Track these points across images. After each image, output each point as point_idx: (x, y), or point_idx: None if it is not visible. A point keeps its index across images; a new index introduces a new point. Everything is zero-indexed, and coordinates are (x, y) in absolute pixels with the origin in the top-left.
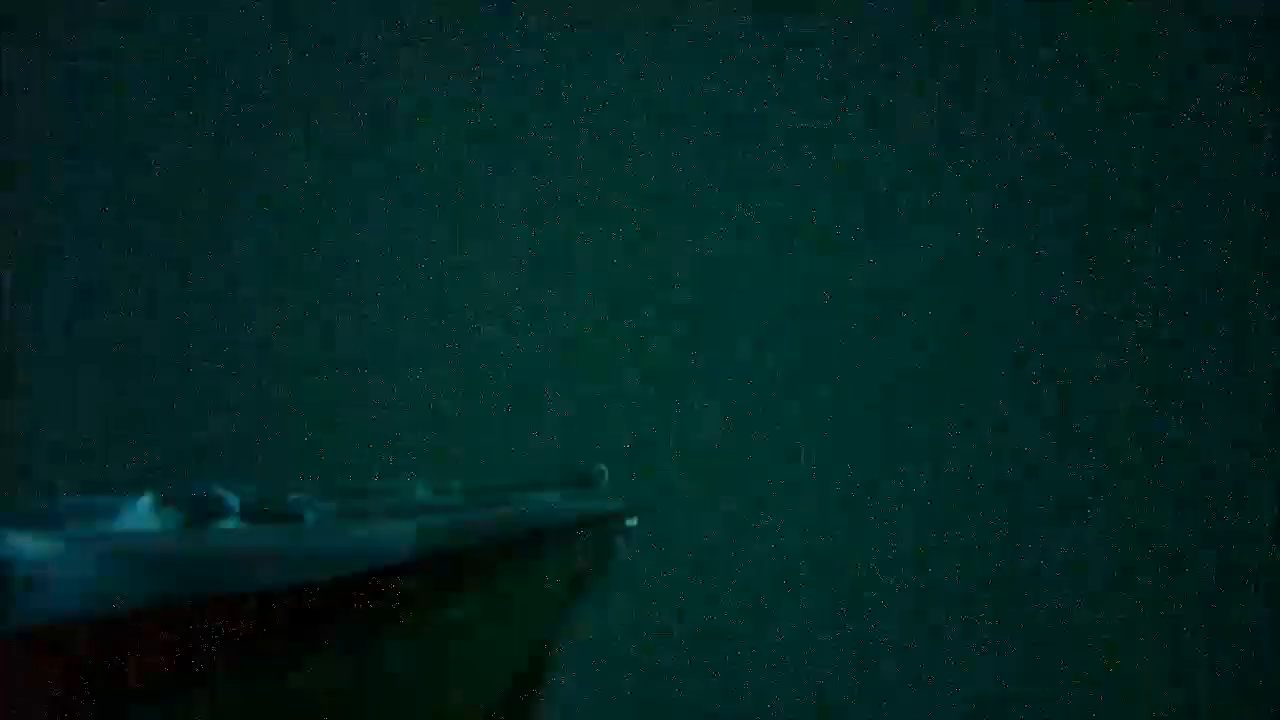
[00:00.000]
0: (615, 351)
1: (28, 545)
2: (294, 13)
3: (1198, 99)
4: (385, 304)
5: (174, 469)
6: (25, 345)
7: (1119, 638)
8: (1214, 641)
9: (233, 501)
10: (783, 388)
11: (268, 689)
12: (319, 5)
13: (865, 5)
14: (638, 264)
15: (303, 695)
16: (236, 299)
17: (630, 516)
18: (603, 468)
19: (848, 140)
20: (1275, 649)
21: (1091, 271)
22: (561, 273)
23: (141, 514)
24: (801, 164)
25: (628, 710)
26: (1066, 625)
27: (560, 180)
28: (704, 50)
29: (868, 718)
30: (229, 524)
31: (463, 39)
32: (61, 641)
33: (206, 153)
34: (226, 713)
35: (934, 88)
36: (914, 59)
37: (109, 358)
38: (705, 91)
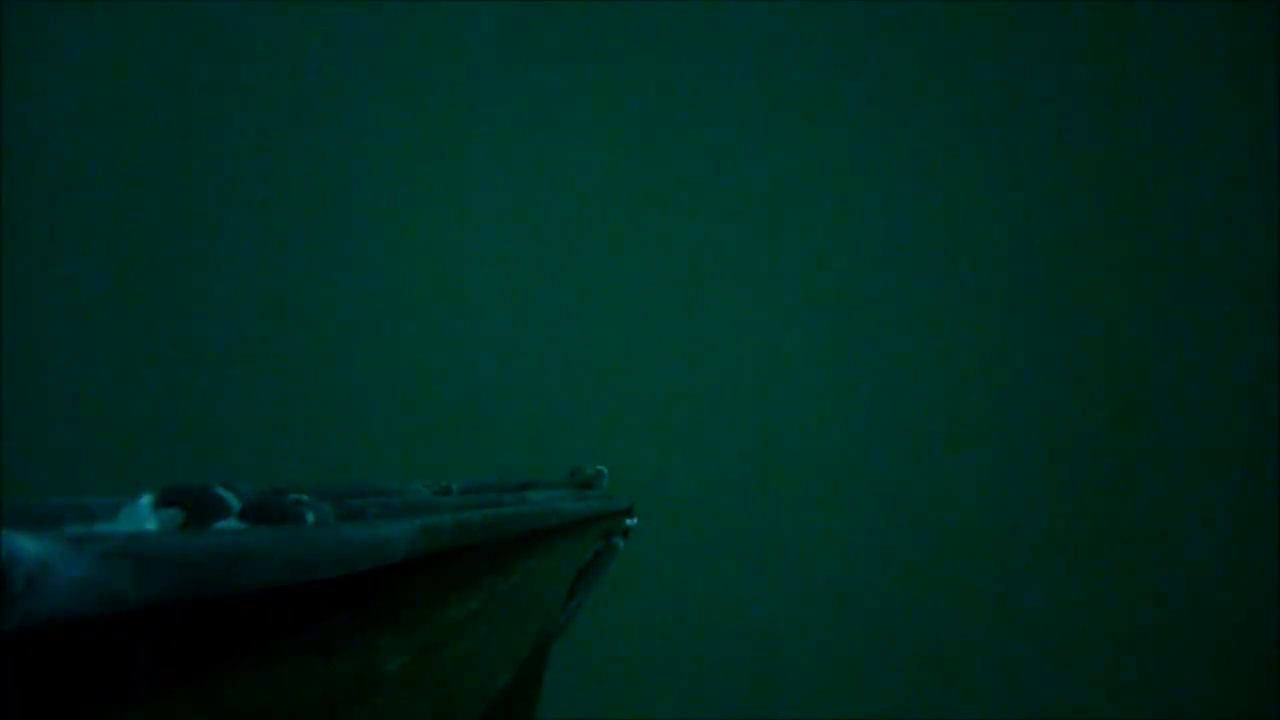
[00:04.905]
0: (616, 352)
1: (28, 545)
2: (294, 13)
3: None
4: (385, 305)
5: (174, 469)
6: (24, 345)
7: (1118, 640)
8: (1212, 643)
9: (233, 501)
10: (783, 388)
11: (267, 689)
12: (319, 7)
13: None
14: (638, 265)
15: (302, 695)
16: (237, 300)
17: (630, 516)
18: (602, 468)
19: (848, 136)
20: (1275, 649)
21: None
22: (563, 274)
23: (141, 514)
24: (801, 167)
25: (626, 708)
26: (1067, 626)
27: (560, 180)
28: (696, 54)
29: (868, 716)
30: (229, 524)
31: (462, 39)
32: (61, 641)
33: (208, 153)
34: (226, 713)
35: (931, 88)
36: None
37: (108, 358)
38: (702, 93)
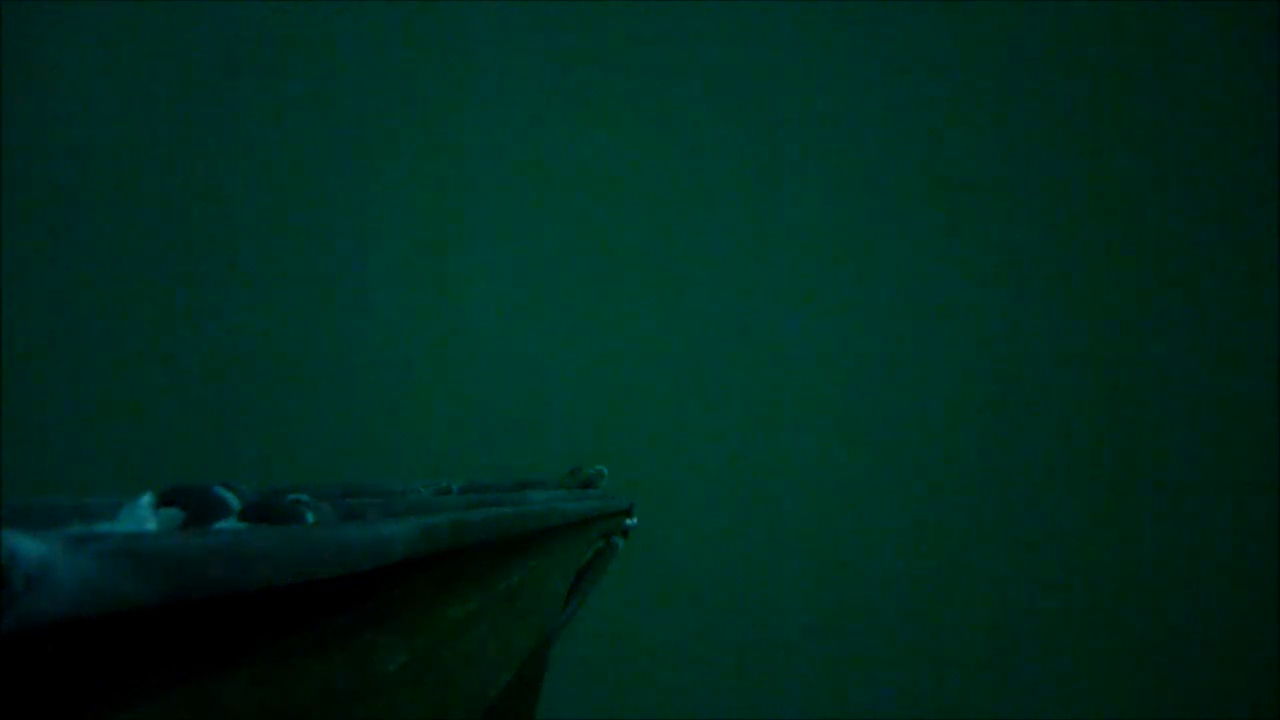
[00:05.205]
0: (616, 353)
1: (28, 545)
2: (299, 17)
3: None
4: (386, 307)
5: (174, 469)
6: (25, 346)
7: (1116, 642)
8: (1210, 644)
9: (233, 501)
10: (782, 390)
11: (267, 689)
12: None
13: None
14: (637, 266)
15: (302, 695)
16: (238, 301)
17: (630, 516)
18: (602, 468)
19: (848, 139)
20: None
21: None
22: (562, 276)
23: (141, 514)
24: (799, 167)
25: (627, 708)
26: (1065, 625)
27: (559, 185)
28: (704, 58)
29: (866, 716)
30: (229, 524)
31: (472, 48)
32: (61, 642)
33: (209, 156)
34: (226, 713)
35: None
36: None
37: (108, 359)
38: (703, 100)
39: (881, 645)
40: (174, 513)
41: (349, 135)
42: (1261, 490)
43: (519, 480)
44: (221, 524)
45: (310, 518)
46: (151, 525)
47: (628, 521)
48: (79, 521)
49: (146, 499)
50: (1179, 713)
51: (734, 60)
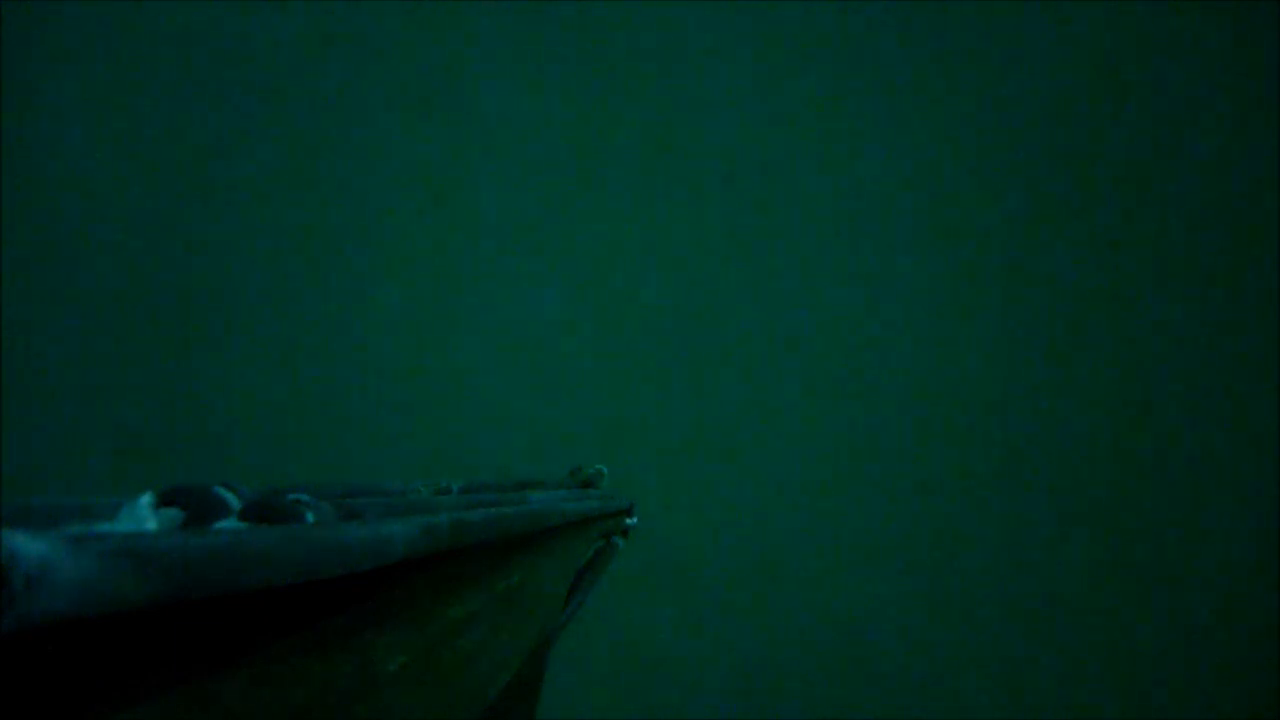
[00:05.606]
0: (615, 352)
1: (28, 545)
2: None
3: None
4: (384, 304)
5: (174, 469)
6: (25, 345)
7: (1116, 642)
8: (1213, 643)
9: (233, 501)
10: (785, 389)
11: (267, 689)
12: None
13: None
14: (636, 264)
15: (302, 695)
16: (238, 300)
17: (630, 515)
18: (603, 468)
19: (851, 139)
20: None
21: (1089, 268)
22: (561, 274)
23: (141, 514)
24: (794, 166)
25: (626, 708)
26: (1065, 623)
27: (557, 182)
28: (684, 53)
29: (867, 717)
30: (229, 524)
31: (458, 48)
32: (61, 641)
33: (207, 154)
34: (226, 713)
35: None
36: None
37: (108, 357)
38: (704, 100)
39: (882, 646)
40: (174, 513)
41: (349, 134)
42: (1264, 490)
43: (519, 480)
44: (221, 524)
45: (310, 518)
46: (151, 525)
47: (628, 521)
48: (79, 521)
49: (146, 499)
50: (1179, 712)
51: (732, 62)
